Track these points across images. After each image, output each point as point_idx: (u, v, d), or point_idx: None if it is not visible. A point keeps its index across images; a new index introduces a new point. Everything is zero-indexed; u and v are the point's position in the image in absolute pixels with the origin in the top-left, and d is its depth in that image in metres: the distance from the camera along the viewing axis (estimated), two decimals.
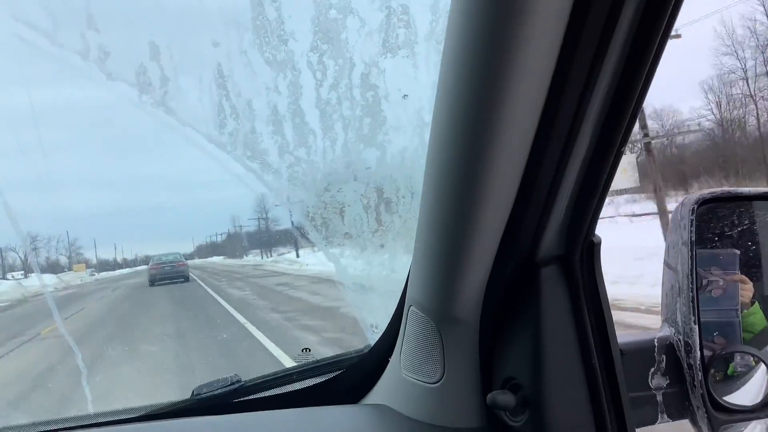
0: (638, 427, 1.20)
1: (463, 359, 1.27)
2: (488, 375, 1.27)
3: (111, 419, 1.58)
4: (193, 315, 17.13)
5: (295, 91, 1.53)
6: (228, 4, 1.60)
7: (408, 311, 1.37)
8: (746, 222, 1.38)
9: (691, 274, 1.27)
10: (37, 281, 39.79)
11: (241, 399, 1.64)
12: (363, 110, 1.56)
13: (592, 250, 1.17)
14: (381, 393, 1.54)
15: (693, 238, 1.27)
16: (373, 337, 1.71)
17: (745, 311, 1.34)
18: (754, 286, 1.36)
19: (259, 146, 1.61)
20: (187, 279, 31.31)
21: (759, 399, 1.31)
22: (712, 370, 1.29)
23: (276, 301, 19.50)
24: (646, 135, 23.14)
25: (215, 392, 1.63)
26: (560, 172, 1.04)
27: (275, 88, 1.52)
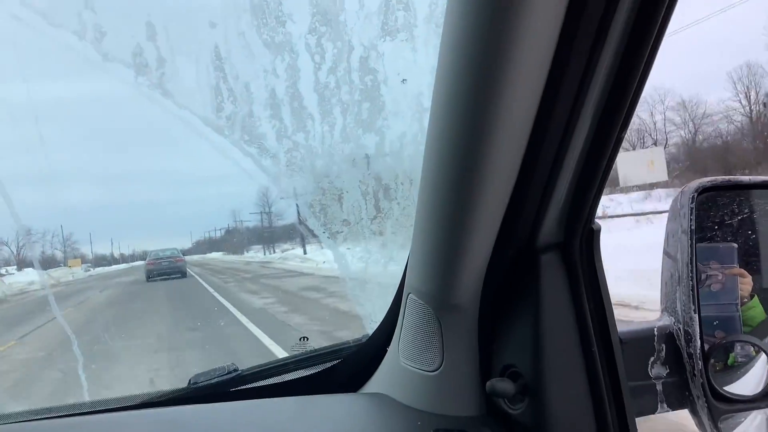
0: (638, 416, 1.20)
1: (462, 347, 1.27)
2: (487, 363, 1.27)
3: (108, 407, 1.57)
4: (203, 339, 11.28)
5: (293, 75, 1.52)
6: None
7: (407, 299, 1.37)
8: (746, 211, 1.38)
9: (691, 263, 1.27)
10: (24, 277, 38.68)
11: (238, 388, 1.64)
12: (362, 95, 1.55)
13: (591, 237, 1.16)
14: (379, 382, 1.53)
15: (693, 227, 1.27)
16: (371, 326, 1.71)
17: (745, 305, 1.34)
18: (753, 279, 1.35)
19: (257, 130, 1.60)
20: (184, 275, 30.64)
21: (759, 389, 1.31)
22: (712, 360, 1.28)
23: (318, 317, 13.03)
24: None
25: (212, 381, 1.62)
26: (560, 158, 1.04)
27: (273, 71, 1.51)
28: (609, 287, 1.17)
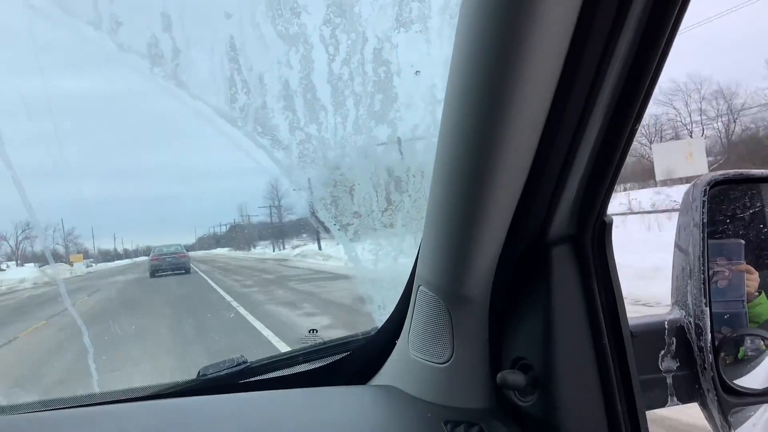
0: (648, 409, 1.20)
1: (473, 339, 1.27)
2: (497, 355, 1.27)
3: (118, 398, 1.58)
4: None
5: (306, 66, 1.52)
6: None
7: (417, 291, 1.37)
8: (758, 204, 1.37)
9: (703, 257, 1.26)
10: (15, 274, 37.17)
11: (247, 380, 1.64)
12: (375, 86, 1.55)
13: (603, 230, 1.16)
14: (389, 374, 1.54)
15: (705, 220, 1.27)
16: (380, 319, 1.71)
17: (752, 302, 1.34)
18: (760, 274, 1.35)
19: (270, 122, 1.60)
20: (188, 271, 30.05)
21: None
22: (723, 354, 1.28)
23: None
24: None
25: (221, 373, 1.63)
26: (573, 151, 1.04)
27: (287, 63, 1.52)
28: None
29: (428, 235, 1.25)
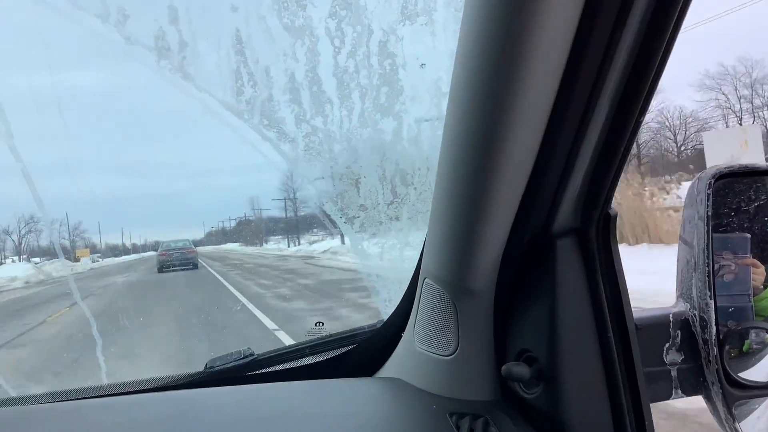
0: (652, 402, 1.20)
1: (478, 331, 1.27)
2: (502, 347, 1.27)
3: (126, 390, 1.59)
4: None
5: (312, 59, 1.53)
6: None
7: (422, 283, 1.37)
8: (763, 197, 1.37)
9: (707, 249, 1.26)
10: (8, 272, 34.91)
11: (254, 372, 1.66)
12: (380, 79, 1.56)
13: (608, 222, 1.16)
14: (394, 366, 1.54)
15: (709, 213, 1.26)
16: (386, 311, 1.71)
17: (758, 296, 1.33)
18: (766, 268, 1.34)
19: (276, 114, 1.61)
20: (196, 266, 30.10)
21: None
22: (728, 347, 1.28)
23: None
24: None
25: (228, 365, 1.64)
26: (577, 143, 1.04)
27: (293, 55, 1.52)
28: None
29: (434, 227, 1.26)
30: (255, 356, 1.67)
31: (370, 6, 1.49)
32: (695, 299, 1.28)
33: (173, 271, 28.70)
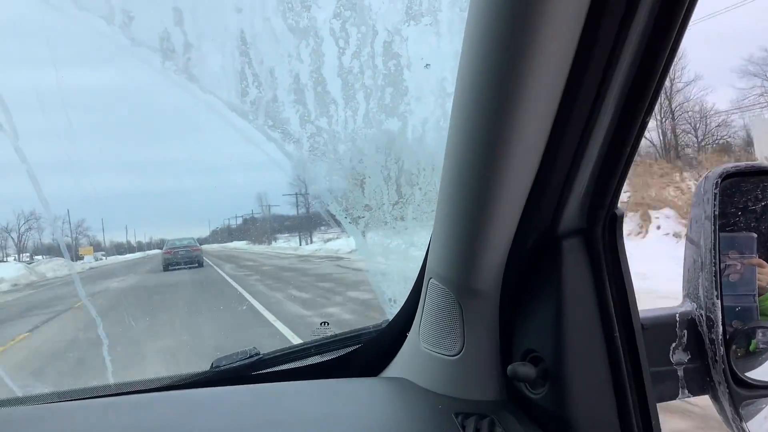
0: (659, 402, 1.20)
1: (483, 331, 1.27)
2: (508, 347, 1.27)
3: (132, 389, 1.60)
4: None
5: (317, 59, 1.53)
6: None
7: (428, 284, 1.37)
8: None
9: (714, 249, 1.26)
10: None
11: (260, 372, 1.66)
12: (385, 79, 1.56)
13: (614, 223, 1.16)
14: (400, 366, 1.54)
15: (716, 212, 1.26)
16: (391, 312, 1.71)
17: (763, 296, 1.33)
18: None
19: (281, 115, 1.61)
20: (201, 264, 29.56)
21: None
22: (734, 346, 1.28)
23: None
24: None
25: (234, 364, 1.64)
26: (583, 143, 1.04)
27: (297, 56, 1.52)
28: None
29: (439, 228, 1.26)
30: (260, 356, 1.67)
31: (375, 6, 1.50)
32: (702, 299, 1.28)
33: (179, 269, 27.91)
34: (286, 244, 51.96)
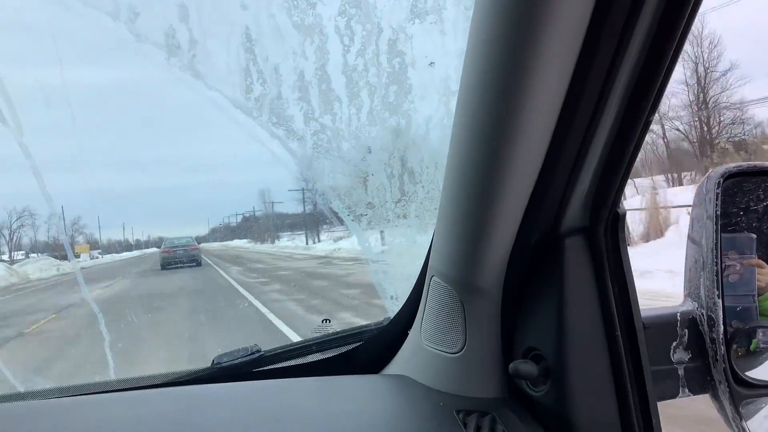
0: (659, 400, 1.20)
1: (485, 329, 1.28)
2: (510, 345, 1.28)
3: (133, 386, 1.60)
4: None
5: (322, 57, 1.53)
6: None
7: (430, 281, 1.37)
8: None
9: (716, 249, 1.26)
10: None
11: (261, 368, 1.66)
12: (389, 77, 1.56)
13: (617, 221, 1.16)
14: (401, 363, 1.54)
15: (718, 212, 1.27)
16: (393, 309, 1.72)
17: (762, 296, 1.34)
18: None
19: (285, 112, 1.61)
20: (199, 263, 29.35)
21: None
22: (735, 346, 1.28)
23: None
24: None
25: (235, 361, 1.64)
26: (587, 142, 1.04)
27: (302, 53, 1.52)
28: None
29: (441, 226, 1.26)
30: (262, 353, 1.67)
31: (380, 4, 1.50)
32: (703, 298, 1.28)
33: (179, 271, 27.18)
34: (291, 243, 48.97)
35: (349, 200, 1.82)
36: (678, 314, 1.30)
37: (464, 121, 1.07)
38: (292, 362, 1.69)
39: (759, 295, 1.33)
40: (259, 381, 1.56)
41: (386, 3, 1.50)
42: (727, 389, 1.25)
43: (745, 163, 1.36)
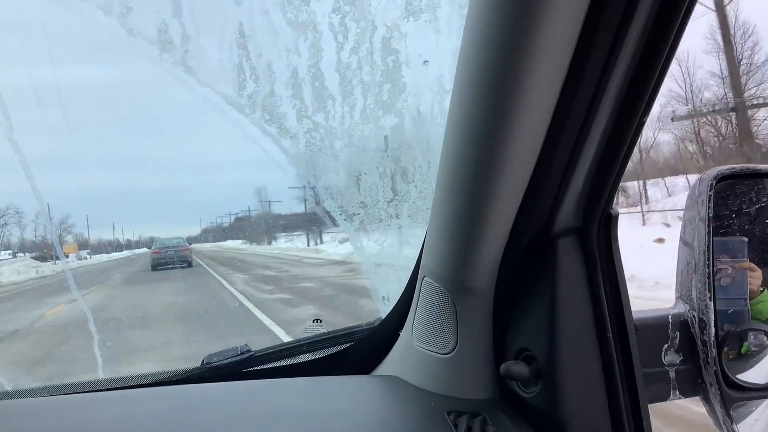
0: (650, 402, 1.20)
1: (477, 330, 1.27)
2: (501, 346, 1.27)
3: (123, 385, 1.59)
4: None
5: (315, 54, 1.52)
6: None
7: (422, 281, 1.37)
8: (764, 199, 1.37)
9: (708, 251, 1.26)
10: None
11: (251, 369, 1.65)
12: (383, 75, 1.56)
13: (609, 222, 1.16)
14: (392, 364, 1.54)
15: (710, 215, 1.27)
16: (384, 309, 1.71)
17: (754, 299, 1.34)
18: (764, 273, 1.35)
19: (278, 110, 1.60)
20: (190, 264, 29.02)
21: None
22: (726, 348, 1.28)
23: None
24: None
25: (225, 361, 1.64)
26: (580, 142, 1.04)
27: (296, 50, 1.52)
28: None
29: (434, 225, 1.26)
30: (252, 353, 1.66)
31: (374, 1, 1.49)
32: (695, 301, 1.28)
33: (169, 268, 26.84)
34: (290, 244, 45.86)
35: (341, 199, 1.81)
36: (669, 316, 1.30)
37: (458, 120, 1.07)
38: (283, 362, 1.68)
39: (750, 298, 1.33)
40: (250, 381, 1.56)
41: (381, 1, 1.50)
42: (718, 392, 1.25)
43: (738, 165, 1.36)
